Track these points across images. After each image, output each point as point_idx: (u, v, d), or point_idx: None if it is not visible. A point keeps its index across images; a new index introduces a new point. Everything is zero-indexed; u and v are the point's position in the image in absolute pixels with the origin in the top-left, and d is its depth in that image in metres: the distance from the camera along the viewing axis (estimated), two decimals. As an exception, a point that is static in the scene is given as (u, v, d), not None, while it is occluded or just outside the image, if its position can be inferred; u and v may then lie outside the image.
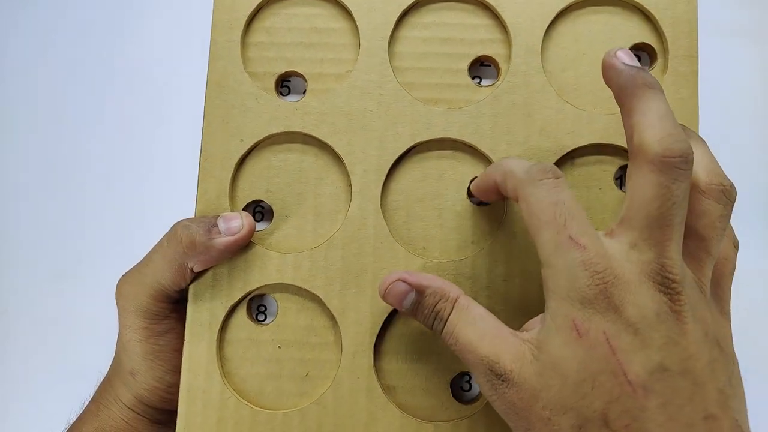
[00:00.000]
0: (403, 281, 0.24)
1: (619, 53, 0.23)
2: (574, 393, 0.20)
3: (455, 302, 0.24)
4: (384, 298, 0.25)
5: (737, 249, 0.25)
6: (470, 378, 0.29)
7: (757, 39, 0.46)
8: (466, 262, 0.28)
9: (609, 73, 0.23)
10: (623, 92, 0.23)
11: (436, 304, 0.24)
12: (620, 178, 0.29)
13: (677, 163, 0.20)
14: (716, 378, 0.20)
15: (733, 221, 0.25)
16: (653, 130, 0.21)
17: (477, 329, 0.23)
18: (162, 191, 0.43)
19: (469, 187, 0.29)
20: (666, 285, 0.20)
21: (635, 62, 0.23)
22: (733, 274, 0.24)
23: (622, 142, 0.28)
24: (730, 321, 0.24)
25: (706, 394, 0.20)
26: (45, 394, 0.43)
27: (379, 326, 0.28)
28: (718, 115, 0.41)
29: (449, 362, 0.28)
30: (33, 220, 0.45)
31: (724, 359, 0.21)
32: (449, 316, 0.23)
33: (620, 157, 0.29)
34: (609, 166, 0.29)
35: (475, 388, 0.29)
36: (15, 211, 0.45)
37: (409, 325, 0.28)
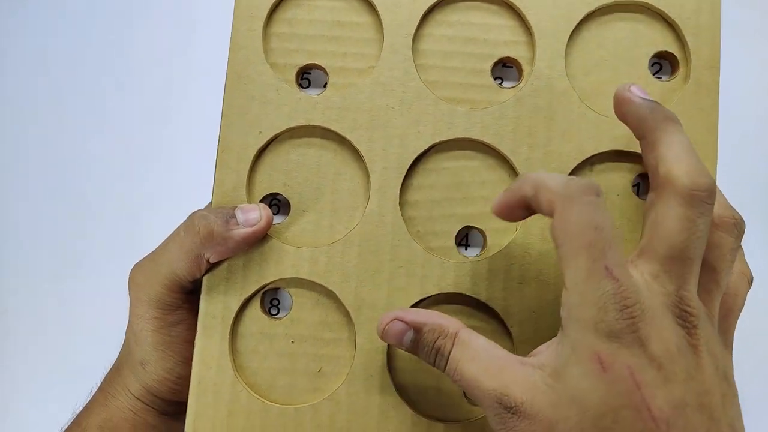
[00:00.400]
0: (400, 320, 0.24)
1: (633, 88, 0.24)
2: (594, 426, 0.20)
3: (455, 337, 0.23)
4: (382, 337, 0.25)
5: (750, 285, 0.25)
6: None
7: (758, 39, 0.46)
8: (483, 263, 0.28)
9: (625, 106, 0.24)
10: (644, 125, 0.23)
11: (435, 341, 0.23)
12: (637, 186, 0.29)
13: (704, 198, 0.21)
14: (727, 413, 0.20)
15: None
16: (680, 164, 0.21)
17: (481, 363, 0.22)
18: (161, 193, 0.43)
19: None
20: (684, 318, 0.20)
21: (649, 96, 0.24)
22: (741, 310, 0.25)
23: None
24: (732, 354, 0.24)
25: (720, 429, 0.20)
26: (45, 394, 0.43)
27: None
28: (722, 114, 0.41)
29: None
30: (33, 220, 0.44)
31: (732, 393, 0.21)
32: (450, 352, 0.23)
33: (640, 165, 0.29)
34: (628, 174, 0.29)
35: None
36: (15, 211, 0.44)
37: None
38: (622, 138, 0.29)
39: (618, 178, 0.29)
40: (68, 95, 0.45)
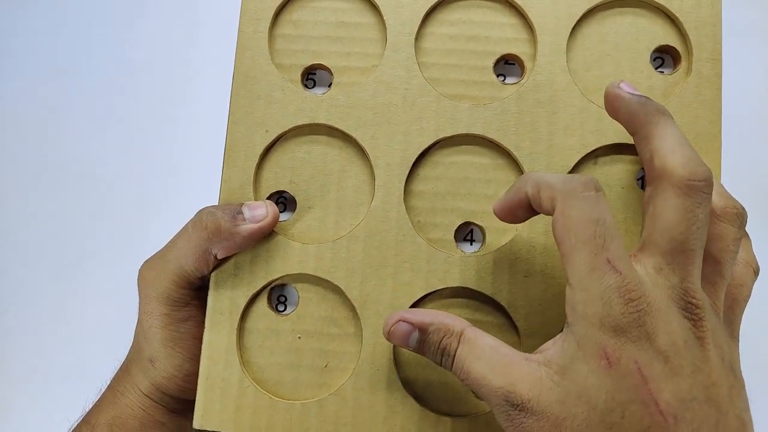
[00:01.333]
0: (405, 321, 0.24)
1: (622, 84, 0.24)
2: (602, 422, 0.20)
3: (461, 336, 0.23)
4: (388, 338, 0.25)
5: (757, 275, 0.25)
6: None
7: (756, 39, 0.46)
8: (488, 258, 0.28)
9: (616, 103, 0.24)
10: (636, 119, 0.23)
11: (441, 341, 0.23)
12: (642, 179, 0.29)
13: (702, 187, 0.21)
14: (735, 405, 0.20)
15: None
16: (675, 155, 0.21)
17: (487, 361, 0.22)
18: (165, 193, 0.43)
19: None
20: (689, 310, 0.20)
21: (639, 92, 0.24)
22: (747, 300, 0.24)
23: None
24: (738, 345, 0.24)
25: (728, 421, 0.20)
26: (45, 394, 0.43)
27: None
28: (724, 115, 0.41)
29: None
30: (34, 220, 0.44)
31: (739, 385, 0.21)
32: (456, 351, 0.23)
33: None
34: (632, 166, 0.29)
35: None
36: (16, 211, 0.44)
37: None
38: (625, 131, 0.29)
39: (622, 171, 0.29)
40: (69, 94, 0.45)
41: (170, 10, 0.45)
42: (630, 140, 0.29)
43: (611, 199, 0.29)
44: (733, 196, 0.25)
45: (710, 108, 0.29)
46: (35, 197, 0.44)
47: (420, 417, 0.27)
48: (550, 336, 0.28)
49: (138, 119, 0.45)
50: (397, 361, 0.28)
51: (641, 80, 0.30)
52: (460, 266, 0.28)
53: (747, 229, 0.25)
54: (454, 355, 0.23)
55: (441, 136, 0.29)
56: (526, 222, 0.28)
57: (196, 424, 0.28)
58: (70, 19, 0.46)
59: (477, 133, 0.29)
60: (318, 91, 0.31)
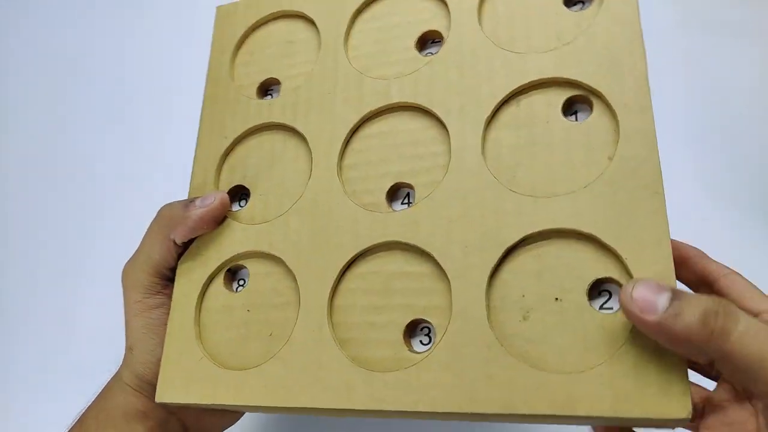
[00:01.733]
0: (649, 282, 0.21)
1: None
2: None
3: (731, 308, 0.21)
4: (627, 306, 0.21)
5: None
6: (429, 331, 0.27)
7: (756, 38, 0.42)
8: (415, 211, 0.28)
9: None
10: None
11: (710, 310, 0.20)
12: (570, 101, 0.28)
13: None
14: None
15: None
16: None
17: None
18: (162, 195, 0.44)
19: None
20: None
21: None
22: None
23: (564, 75, 0.28)
24: None
25: None
26: (45, 394, 0.42)
27: (333, 281, 0.28)
28: (718, 113, 0.37)
29: (400, 316, 0.27)
30: (33, 220, 0.45)
31: None
32: (737, 327, 0.20)
33: (566, 89, 0.28)
34: (554, 98, 0.28)
35: (434, 342, 0.27)
36: (15, 210, 0.45)
37: (363, 280, 0.28)
38: (542, 68, 0.28)
39: (544, 105, 0.28)
40: (69, 94, 0.46)
41: (171, 11, 0.49)
42: (547, 75, 0.28)
43: (539, 134, 0.28)
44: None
45: (629, 27, 0.28)
46: (35, 197, 0.46)
47: (350, 372, 0.26)
48: (480, 276, 0.26)
49: (138, 119, 0.46)
50: (333, 322, 0.28)
51: (555, 24, 0.29)
52: (389, 223, 0.28)
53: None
54: (733, 331, 0.20)
55: (367, 110, 0.31)
56: (450, 169, 0.28)
57: (157, 398, 0.30)
58: (71, 19, 0.49)
59: (403, 100, 0.31)
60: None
